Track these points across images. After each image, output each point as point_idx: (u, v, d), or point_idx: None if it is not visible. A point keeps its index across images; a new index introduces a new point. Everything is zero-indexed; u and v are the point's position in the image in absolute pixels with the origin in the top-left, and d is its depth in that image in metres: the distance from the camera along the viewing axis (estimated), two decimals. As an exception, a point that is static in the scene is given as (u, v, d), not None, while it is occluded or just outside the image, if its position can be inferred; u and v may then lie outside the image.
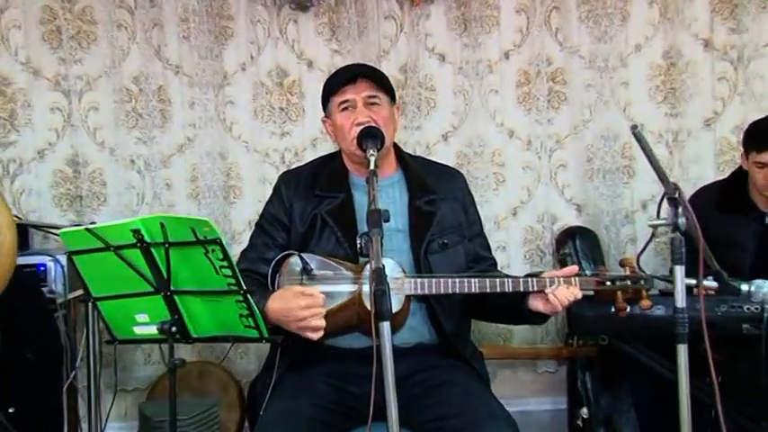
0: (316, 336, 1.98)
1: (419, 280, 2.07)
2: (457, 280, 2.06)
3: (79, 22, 3.39)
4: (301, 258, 2.09)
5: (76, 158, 3.40)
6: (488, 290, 2.06)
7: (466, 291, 2.07)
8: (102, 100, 3.40)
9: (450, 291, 2.07)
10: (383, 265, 1.68)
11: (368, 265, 1.96)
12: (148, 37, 3.39)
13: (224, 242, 1.75)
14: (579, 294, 2.04)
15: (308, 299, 1.97)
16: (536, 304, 2.08)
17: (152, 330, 1.88)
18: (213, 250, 1.75)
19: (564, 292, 2.02)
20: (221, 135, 3.42)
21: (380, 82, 2.26)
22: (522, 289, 2.06)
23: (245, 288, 1.80)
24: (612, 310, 2.13)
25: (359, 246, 1.80)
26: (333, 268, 2.10)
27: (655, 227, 2.00)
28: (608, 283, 2.09)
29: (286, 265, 2.12)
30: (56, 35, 3.38)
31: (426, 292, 2.07)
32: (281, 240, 2.26)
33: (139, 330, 1.92)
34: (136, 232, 1.75)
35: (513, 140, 3.46)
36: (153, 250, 1.78)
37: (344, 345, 2.12)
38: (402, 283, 2.06)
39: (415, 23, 3.41)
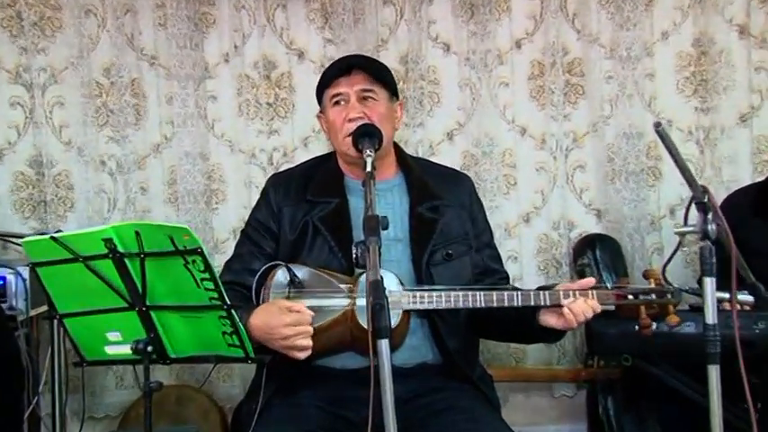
0: (302, 356, 2.01)
1: (419, 293, 2.09)
2: (460, 293, 2.08)
3: (42, 7, 3.40)
4: (288, 269, 2.12)
5: (40, 159, 3.41)
6: (495, 304, 2.08)
7: (470, 305, 2.08)
8: (69, 94, 3.42)
9: (453, 305, 2.09)
10: (381, 277, 1.70)
11: (363, 277, 2.00)
12: (120, 24, 3.41)
13: (205, 252, 1.77)
14: (598, 308, 2.06)
15: (294, 315, 2.00)
16: (548, 319, 2.10)
17: (125, 350, 1.89)
18: (194, 261, 1.77)
19: (582, 305, 2.03)
20: (202, 133, 3.44)
21: (378, 75, 2.29)
22: (533, 303, 2.08)
23: (228, 303, 1.81)
24: (636, 327, 2.14)
25: (354, 255, 1.81)
26: (324, 280, 2.13)
27: (682, 234, 2.02)
28: (630, 296, 2.10)
29: (272, 277, 2.14)
30: (16, 22, 3.40)
31: (427, 306, 2.09)
32: (269, 250, 2.28)
33: (111, 350, 1.94)
34: (108, 241, 1.77)
35: (526, 139, 3.48)
36: (127, 261, 1.80)
37: (338, 365, 2.15)
38: (400, 297, 2.08)
39: (416, 9, 3.43)
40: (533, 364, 3.47)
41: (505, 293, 2.09)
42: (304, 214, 2.27)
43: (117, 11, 3.41)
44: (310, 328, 2.00)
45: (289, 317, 1.99)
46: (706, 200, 1.90)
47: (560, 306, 2.05)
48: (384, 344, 1.65)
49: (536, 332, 2.14)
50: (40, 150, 3.41)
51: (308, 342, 1.99)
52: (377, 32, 3.43)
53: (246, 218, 2.43)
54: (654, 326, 2.12)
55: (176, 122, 3.42)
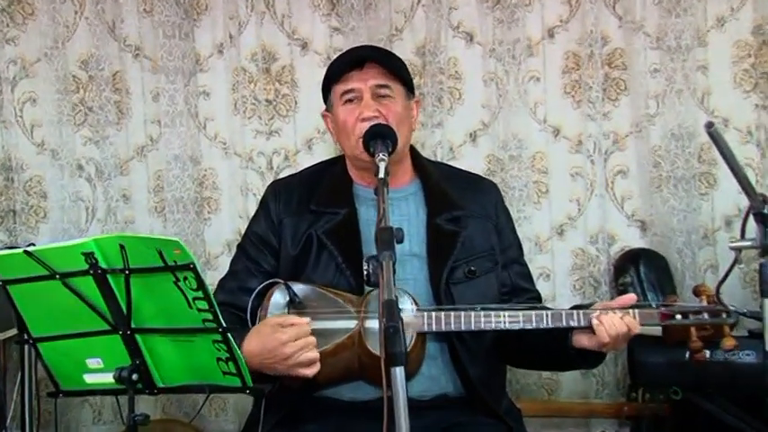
0: (311, 372, 2.03)
1: (435, 314, 2.10)
2: (482, 314, 2.10)
3: (12, -9, 3.47)
4: (287, 287, 2.14)
5: (9, 163, 3.46)
6: (522, 326, 2.09)
7: (493, 327, 2.10)
8: (42, 89, 3.47)
9: (473, 327, 2.10)
10: (396, 297, 1.71)
11: (371, 296, 2.02)
12: (100, 10, 3.46)
13: (198, 268, 1.79)
14: (635, 327, 2.05)
15: (290, 330, 2.02)
16: (581, 340, 2.10)
17: (107, 379, 1.92)
18: (185, 278, 1.79)
19: (614, 319, 2.03)
20: (193, 134, 3.48)
21: (394, 69, 2.31)
22: (564, 323, 2.09)
23: (224, 325, 1.83)
24: (687, 355, 2.13)
25: (366, 272, 1.83)
26: (328, 299, 2.15)
27: (738, 250, 2.03)
28: (678, 316, 2.09)
29: (269, 297, 2.17)
30: (-19, 9, 3.46)
31: (444, 328, 2.10)
32: (268, 267, 2.31)
33: (91, 379, 1.96)
34: (88, 256, 1.79)
35: (559, 141, 3.49)
36: (110, 278, 1.82)
37: (346, 396, 2.17)
38: (413, 318, 2.09)
39: (436, -6, 3.46)
40: (568, 396, 3.48)
41: (533, 313, 2.09)
42: (308, 226, 2.29)
43: (97, -5, 3.45)
44: (312, 339, 2.03)
45: (285, 333, 2.02)
46: (766, 210, 1.91)
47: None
48: (399, 372, 1.65)
49: (570, 356, 2.14)
50: (9, 153, 3.46)
51: (315, 354, 2.02)
52: (390, 20, 3.46)
53: (243, 230, 2.45)
54: (708, 354, 2.11)
55: (163, 122, 3.46)
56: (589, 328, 2.06)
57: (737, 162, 1.96)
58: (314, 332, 2.05)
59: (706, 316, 2.09)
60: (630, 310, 2.08)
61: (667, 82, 3.42)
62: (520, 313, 2.10)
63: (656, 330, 2.12)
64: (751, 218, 1.96)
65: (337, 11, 3.47)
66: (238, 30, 3.48)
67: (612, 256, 3.45)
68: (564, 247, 3.50)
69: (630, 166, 3.48)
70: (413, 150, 2.42)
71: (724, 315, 2.09)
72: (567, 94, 3.49)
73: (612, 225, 3.48)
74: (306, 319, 2.04)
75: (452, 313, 2.10)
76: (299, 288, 2.16)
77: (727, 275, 2.09)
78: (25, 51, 3.47)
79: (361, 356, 2.08)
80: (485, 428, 2.16)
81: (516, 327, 2.09)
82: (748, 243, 1.96)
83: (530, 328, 2.09)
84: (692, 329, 2.08)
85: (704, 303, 2.11)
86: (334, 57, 2.57)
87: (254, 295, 2.19)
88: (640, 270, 3.26)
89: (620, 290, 3.26)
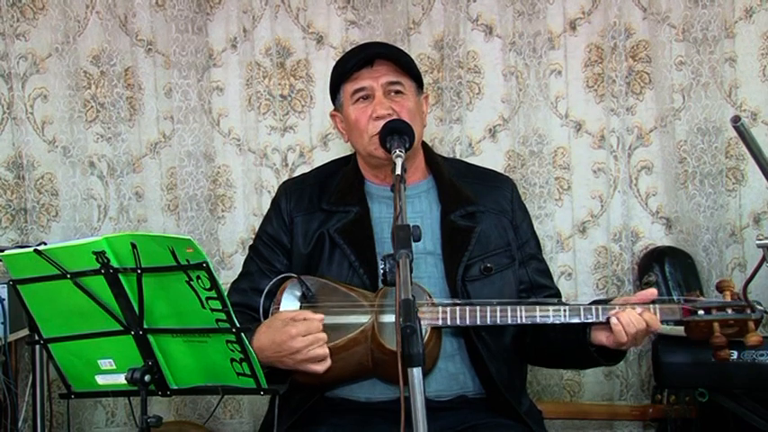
0: (321, 368, 2.04)
1: (449, 308, 2.10)
2: (498, 308, 2.10)
3: (23, -14, 3.49)
4: (300, 281, 2.15)
5: (19, 161, 3.49)
6: (539, 320, 2.09)
7: (509, 321, 2.09)
8: (53, 85, 3.49)
9: (489, 322, 2.10)
10: (413, 296, 1.71)
11: (385, 290, 2.03)
12: (111, 4, 3.48)
13: (211, 267, 1.80)
14: (656, 324, 2.04)
15: (301, 325, 2.03)
16: (599, 337, 2.10)
17: (119, 380, 1.93)
18: (198, 277, 1.80)
19: (632, 316, 2.02)
20: (206, 131, 3.50)
21: (405, 65, 2.31)
22: (582, 318, 2.08)
23: (238, 325, 1.84)
24: (712, 357, 2.11)
25: (382, 271, 1.82)
26: (341, 294, 2.17)
27: (766, 247, 2.02)
28: (701, 312, 2.07)
29: (281, 293, 2.19)
30: (-8, 3, 3.48)
31: (459, 323, 2.11)
32: (281, 267, 2.33)
33: (103, 380, 1.98)
34: (100, 255, 1.81)
35: (582, 136, 3.50)
36: (121, 278, 1.83)
37: (362, 396, 2.18)
38: (425, 312, 2.09)
39: (454, -14, 3.46)
40: (591, 399, 3.48)
41: (551, 308, 2.09)
42: (319, 225, 2.31)
43: (108, -11, 3.47)
44: (323, 335, 2.03)
45: (295, 327, 2.03)
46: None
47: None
48: (416, 373, 1.65)
49: (589, 353, 2.13)
50: (20, 150, 3.49)
51: (324, 350, 2.03)
52: (407, 13, 3.46)
53: (257, 228, 2.46)
54: (734, 354, 2.10)
55: (176, 118, 3.48)
56: (608, 325, 2.05)
57: (765, 157, 1.95)
58: (326, 326, 2.06)
59: (730, 312, 2.07)
60: (651, 306, 2.06)
61: (693, 75, 3.42)
62: (537, 308, 2.10)
63: (680, 329, 2.12)
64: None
65: (353, 4, 3.48)
66: (252, 24, 3.50)
67: (636, 254, 3.46)
68: (586, 245, 3.51)
69: (655, 161, 3.49)
70: (425, 146, 2.43)
71: (748, 310, 2.07)
72: (589, 88, 3.50)
73: (636, 222, 3.49)
74: (319, 316, 2.05)
75: (467, 308, 2.10)
76: (312, 282, 2.18)
77: (754, 274, 2.08)
78: (36, 47, 3.50)
79: (375, 351, 2.09)
80: (505, 429, 2.16)
81: (533, 321, 2.09)
82: (775, 240, 1.95)
83: (547, 323, 2.09)
84: (716, 325, 2.06)
85: (728, 299, 2.09)
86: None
87: (265, 293, 2.21)
88: (665, 268, 3.26)
89: (644, 289, 3.24)
